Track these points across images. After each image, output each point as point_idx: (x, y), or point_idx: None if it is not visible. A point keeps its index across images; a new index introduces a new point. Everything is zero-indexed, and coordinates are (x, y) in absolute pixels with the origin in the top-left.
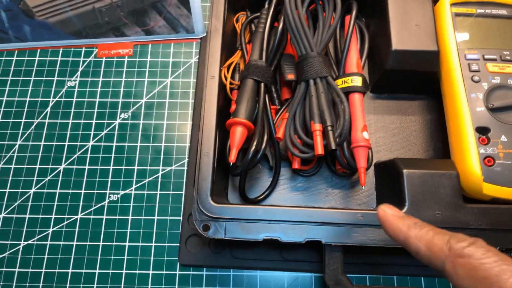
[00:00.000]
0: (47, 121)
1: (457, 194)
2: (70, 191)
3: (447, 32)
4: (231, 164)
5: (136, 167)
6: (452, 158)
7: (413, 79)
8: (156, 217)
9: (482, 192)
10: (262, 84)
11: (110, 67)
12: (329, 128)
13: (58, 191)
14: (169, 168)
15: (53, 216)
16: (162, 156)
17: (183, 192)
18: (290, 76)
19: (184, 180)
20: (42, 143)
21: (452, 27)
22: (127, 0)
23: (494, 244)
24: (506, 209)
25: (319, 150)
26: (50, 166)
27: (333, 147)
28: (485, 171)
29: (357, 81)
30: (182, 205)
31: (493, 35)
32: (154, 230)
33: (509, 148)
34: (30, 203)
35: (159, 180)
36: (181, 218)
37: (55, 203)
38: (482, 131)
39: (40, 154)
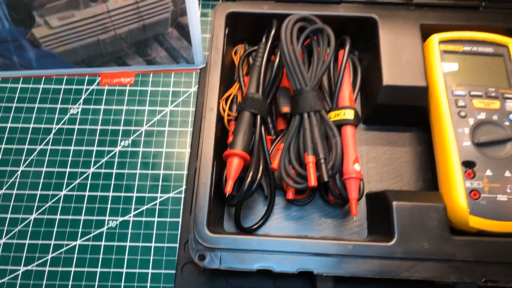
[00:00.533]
0: (49, 147)
1: (444, 227)
2: (70, 217)
3: (436, 68)
4: (227, 195)
5: (135, 194)
6: (440, 190)
7: (404, 113)
8: (153, 244)
9: (468, 224)
10: (259, 117)
11: (112, 95)
12: (322, 160)
13: (58, 217)
14: (166, 196)
15: (53, 242)
16: (160, 183)
17: (180, 220)
18: (286, 109)
19: (181, 207)
20: (44, 169)
21: (440, 63)
22: (131, 33)
23: (479, 276)
24: (491, 242)
25: (312, 181)
26: (51, 192)
27: (326, 179)
28: (471, 204)
29: (349, 114)
30: (179, 232)
31: (479, 72)
32: (151, 257)
33: (494, 182)
34: (30, 229)
35: (157, 207)
36: (177, 245)
37: (55, 229)
38: (468, 165)
39: (41, 180)
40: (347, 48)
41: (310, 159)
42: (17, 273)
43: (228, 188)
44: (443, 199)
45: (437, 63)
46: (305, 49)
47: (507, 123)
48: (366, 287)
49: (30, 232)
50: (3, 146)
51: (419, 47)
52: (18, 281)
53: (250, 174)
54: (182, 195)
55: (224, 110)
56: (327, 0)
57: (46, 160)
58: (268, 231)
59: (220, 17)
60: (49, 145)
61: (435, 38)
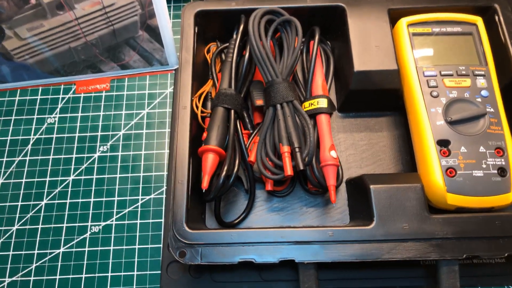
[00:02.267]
0: (28, 158)
1: (423, 206)
2: (52, 225)
3: (406, 51)
4: (204, 191)
5: (116, 198)
6: (418, 171)
7: (377, 97)
8: (137, 246)
9: (446, 202)
10: (232, 111)
11: (88, 102)
12: (297, 149)
13: (40, 226)
14: (148, 197)
15: (36, 251)
16: (141, 185)
17: (163, 220)
18: (259, 102)
19: (163, 208)
20: (24, 180)
21: (410, 46)
22: (102, 39)
23: (460, 252)
24: (470, 218)
25: (289, 171)
26: (32, 203)
27: (301, 167)
28: (448, 182)
29: (322, 103)
30: (162, 232)
31: (449, 52)
32: (136, 259)
33: (469, 158)
34: (13, 240)
35: (139, 209)
36: (161, 245)
37: (38, 239)
38: (443, 143)
39: (21, 191)
40: (317, 37)
41: (285, 149)
42: (2, 284)
43: (204, 183)
44: (421, 179)
45: (407, 46)
46: (276, 43)
47: (479, 99)
48: (350, 272)
49: (13, 243)
50: None
51: (388, 31)
52: None
53: (225, 168)
54: (163, 196)
55: (197, 107)
56: None
57: (25, 171)
58: (251, 225)
59: (188, 17)
60: (28, 156)
61: (404, 21)
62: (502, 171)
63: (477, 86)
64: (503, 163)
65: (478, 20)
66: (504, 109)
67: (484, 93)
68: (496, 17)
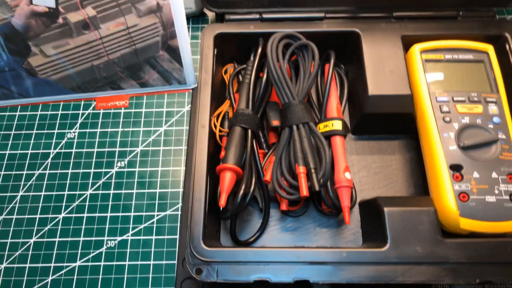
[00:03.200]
0: (47, 172)
1: (436, 230)
2: (69, 239)
3: (419, 77)
4: (221, 208)
5: (132, 213)
6: (431, 194)
7: (391, 121)
8: (152, 262)
9: (459, 226)
10: (249, 131)
11: (108, 118)
12: (313, 170)
13: (57, 239)
14: (163, 213)
15: (52, 264)
16: (157, 201)
17: (177, 236)
18: (275, 123)
19: (178, 224)
20: (43, 193)
21: (423, 72)
22: (123, 57)
23: (473, 277)
24: (482, 243)
25: (304, 192)
26: (50, 216)
27: (317, 188)
28: (461, 206)
29: (337, 125)
30: (177, 249)
31: (461, 79)
32: (150, 275)
33: (481, 184)
34: (30, 253)
35: (154, 225)
36: (175, 262)
37: (54, 252)
38: (455, 168)
39: (40, 204)
40: (332, 61)
41: (301, 169)
42: None
43: (222, 201)
44: (434, 203)
45: (420, 72)
46: (292, 65)
47: (491, 125)
48: None
49: (30, 256)
50: (2, 172)
51: (401, 57)
52: None
53: (243, 187)
54: (179, 212)
55: (215, 126)
56: (310, 17)
57: (44, 184)
58: (265, 243)
59: (208, 39)
60: (47, 169)
61: (417, 48)
62: None
63: (489, 112)
64: None
65: (490, 48)
66: None
67: (496, 119)
68: (507, 46)
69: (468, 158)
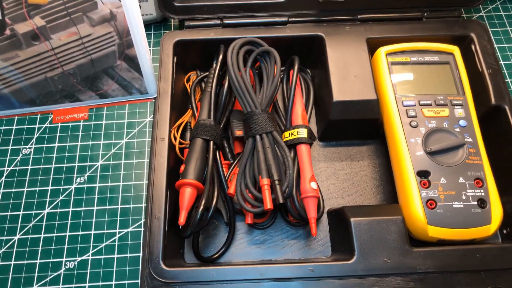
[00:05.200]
0: (1, 191)
1: (404, 239)
2: (25, 262)
3: (385, 80)
4: (181, 227)
5: (92, 232)
6: (399, 202)
7: (358, 127)
8: (114, 282)
9: (427, 234)
10: (211, 143)
11: (66, 132)
12: (277, 182)
13: (12, 262)
14: (125, 230)
15: None
16: (118, 218)
17: (141, 254)
18: (238, 133)
19: (141, 241)
20: None
21: (389, 75)
22: (79, 68)
23: (442, 287)
24: (451, 251)
25: (268, 205)
26: (4, 238)
27: (281, 201)
28: (429, 214)
29: (302, 133)
30: (140, 267)
31: (427, 81)
32: None
33: (449, 190)
34: None
35: (116, 243)
36: (139, 281)
37: (10, 276)
38: (423, 174)
39: None
40: (296, 67)
41: (264, 181)
42: None
43: (181, 219)
44: (402, 211)
45: (386, 75)
46: (256, 73)
47: (457, 129)
48: None
49: None
50: None
51: (367, 61)
52: None
53: (203, 202)
54: (142, 229)
55: (175, 139)
56: (273, 22)
57: None
58: (232, 258)
59: (167, 46)
60: (1, 188)
61: (382, 51)
62: (481, 202)
63: (455, 115)
64: (483, 194)
65: (455, 50)
66: (482, 138)
67: (462, 122)
68: (473, 46)
69: (435, 163)
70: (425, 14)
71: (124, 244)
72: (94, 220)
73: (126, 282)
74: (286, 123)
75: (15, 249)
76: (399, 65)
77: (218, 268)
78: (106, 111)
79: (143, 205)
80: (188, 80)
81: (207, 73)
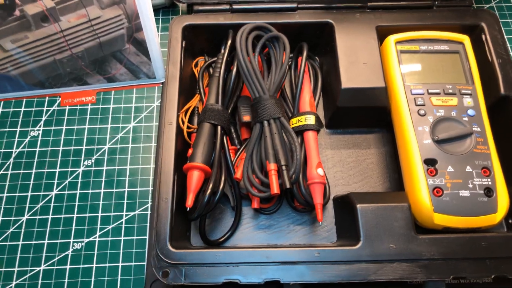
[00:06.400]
0: (9, 172)
1: (410, 226)
2: (33, 242)
3: (393, 68)
4: (188, 209)
5: (100, 214)
6: (405, 189)
7: (365, 114)
8: (120, 264)
9: (433, 222)
10: (219, 127)
11: (74, 115)
12: (284, 167)
13: (20, 243)
14: (132, 213)
15: (16, 269)
16: (125, 201)
17: (147, 237)
18: (246, 118)
19: (148, 224)
20: (5, 195)
21: (398, 63)
22: (87, 51)
23: (447, 274)
24: (456, 238)
25: (275, 189)
26: (12, 218)
27: (288, 186)
28: (435, 201)
29: (310, 120)
30: (146, 250)
31: (436, 70)
32: (119, 277)
33: (456, 178)
34: None
35: (123, 226)
36: (145, 263)
37: (18, 255)
38: (430, 162)
39: (2, 206)
40: (305, 53)
41: (271, 166)
42: None
43: (189, 202)
44: (408, 198)
45: (394, 64)
46: (264, 58)
47: (465, 118)
48: None
49: None
50: None
51: (376, 48)
52: None
53: (210, 186)
54: (148, 212)
55: (183, 123)
56: (282, 8)
57: (6, 185)
58: (237, 243)
59: (176, 30)
60: (10, 170)
61: (391, 39)
62: (488, 191)
63: (464, 105)
64: (490, 183)
65: (465, 39)
66: (491, 128)
67: (470, 112)
68: (483, 36)
69: (443, 152)
70: (436, 2)
71: (131, 227)
72: (101, 202)
73: (133, 264)
74: (294, 109)
75: (23, 230)
76: (408, 53)
77: (225, 250)
78: (114, 95)
79: (150, 188)
80: (196, 65)
81: (215, 59)
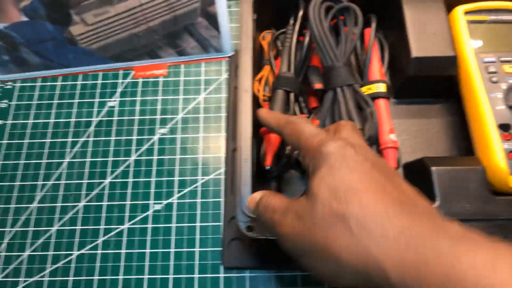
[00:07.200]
0: (91, 139)
1: (485, 188)
2: (116, 203)
3: (463, 38)
4: (266, 168)
5: (176, 178)
6: (477, 155)
7: (433, 84)
8: (198, 224)
9: (509, 185)
10: (292, 94)
11: (147, 87)
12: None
13: (105, 203)
14: (207, 178)
15: (102, 226)
16: (200, 166)
17: (222, 199)
18: (318, 85)
19: (222, 188)
20: (88, 159)
21: (468, 33)
22: (163, 25)
23: None
24: None
25: None
26: (96, 181)
27: None
28: (511, 165)
29: (381, 88)
30: (222, 211)
31: (505, 39)
32: (197, 236)
33: None
34: (80, 216)
35: (199, 189)
36: (221, 223)
37: (103, 215)
38: (504, 128)
39: (86, 170)
40: (374, 25)
41: None
42: (71, 257)
43: (268, 161)
44: (481, 162)
45: (463, 33)
46: (332, 29)
47: None
48: None
49: (80, 219)
50: (48, 140)
51: (444, 19)
52: (73, 265)
53: (288, 147)
54: (222, 176)
55: (258, 91)
56: None
57: (89, 151)
58: None
59: (248, 2)
60: (91, 137)
61: (460, 9)
62: None
63: None
64: None
65: None
66: None
67: None
68: None
69: None
70: None
71: (206, 190)
72: (177, 167)
73: (210, 224)
74: (362, 79)
75: (106, 191)
76: (476, 23)
77: None
78: (184, 68)
79: (223, 155)
80: (263, 39)
81: (283, 31)
